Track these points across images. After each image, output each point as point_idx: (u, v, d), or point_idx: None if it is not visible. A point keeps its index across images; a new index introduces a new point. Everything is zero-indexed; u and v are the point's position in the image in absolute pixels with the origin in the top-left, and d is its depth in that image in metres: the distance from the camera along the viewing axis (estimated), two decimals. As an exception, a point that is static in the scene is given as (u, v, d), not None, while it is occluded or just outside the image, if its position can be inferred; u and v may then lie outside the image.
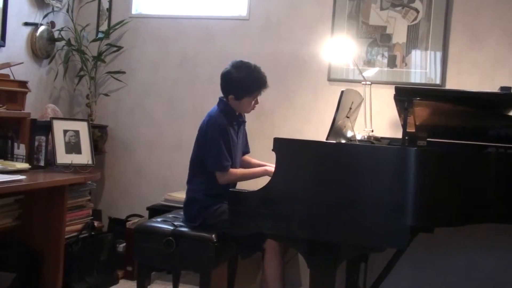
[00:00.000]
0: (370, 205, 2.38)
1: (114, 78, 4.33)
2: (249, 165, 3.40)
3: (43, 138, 3.56)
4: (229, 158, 3.07)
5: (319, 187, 2.45)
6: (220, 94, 3.23)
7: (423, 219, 2.39)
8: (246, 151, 3.43)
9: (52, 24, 4.14)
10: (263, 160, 3.37)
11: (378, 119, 3.63)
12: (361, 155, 2.45)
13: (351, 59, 3.72)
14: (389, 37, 3.75)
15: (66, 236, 3.43)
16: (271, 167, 3.13)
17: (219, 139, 3.04)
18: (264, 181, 2.63)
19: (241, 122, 3.27)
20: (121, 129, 4.38)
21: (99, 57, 4.27)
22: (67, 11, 4.24)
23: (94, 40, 4.30)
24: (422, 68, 3.68)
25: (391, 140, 3.42)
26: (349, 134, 3.17)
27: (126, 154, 4.37)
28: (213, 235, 2.94)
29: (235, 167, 3.16)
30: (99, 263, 3.67)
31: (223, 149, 3.04)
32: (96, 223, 3.82)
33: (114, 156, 4.39)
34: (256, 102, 3.21)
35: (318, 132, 3.73)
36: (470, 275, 3.56)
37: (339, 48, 3.68)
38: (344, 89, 2.83)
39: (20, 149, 3.45)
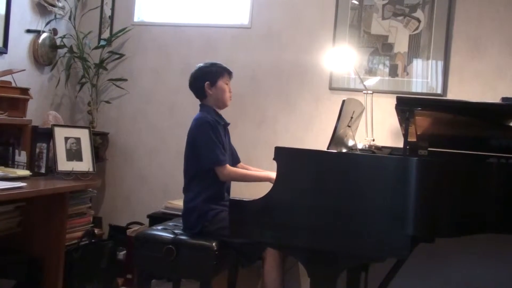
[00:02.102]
0: (371, 215, 2.38)
1: (115, 85, 4.34)
2: None
3: (44, 145, 3.56)
4: (224, 152, 3.10)
5: (320, 196, 2.44)
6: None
7: (423, 229, 2.38)
8: (238, 160, 3.46)
9: (54, 31, 4.15)
10: (264, 168, 3.37)
11: (379, 128, 3.63)
12: (362, 165, 2.44)
13: (353, 68, 3.72)
14: (390, 47, 3.75)
15: (66, 243, 3.43)
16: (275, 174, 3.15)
17: (211, 135, 3.08)
18: (265, 189, 2.63)
19: (226, 124, 3.33)
20: (122, 136, 4.38)
21: (101, 65, 4.28)
22: (70, 18, 4.25)
23: (96, 48, 4.31)
24: (423, 78, 3.68)
25: (392, 150, 3.42)
26: (350, 143, 3.17)
27: (127, 162, 4.37)
28: (214, 243, 2.94)
29: None
30: (99, 271, 3.67)
31: (217, 144, 3.08)
32: (96, 231, 3.82)
33: (115, 163, 4.39)
34: (230, 89, 3.32)
35: (319, 140, 3.73)
36: (471, 285, 3.54)
37: (341, 57, 3.68)
38: (345, 98, 2.83)
39: (21, 156, 3.45)
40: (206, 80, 3.26)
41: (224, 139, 3.21)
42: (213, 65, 3.31)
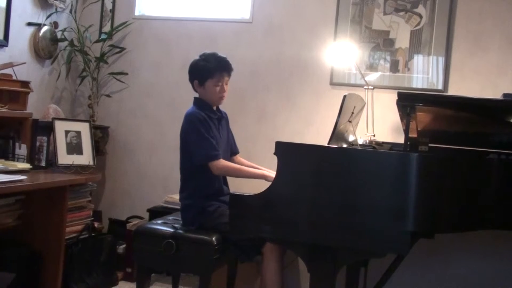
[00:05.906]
0: (371, 210, 2.38)
1: (116, 79, 4.34)
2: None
3: (45, 138, 3.57)
4: (216, 147, 3.04)
5: (320, 191, 2.44)
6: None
7: (424, 224, 2.39)
8: (235, 151, 3.42)
9: (55, 24, 4.14)
10: (264, 163, 3.37)
11: (380, 123, 3.63)
12: (363, 160, 2.45)
13: (354, 63, 3.71)
14: (392, 42, 3.74)
15: (66, 237, 3.43)
16: (270, 173, 3.12)
17: (201, 130, 3.01)
18: (264, 185, 2.63)
19: (221, 117, 3.25)
20: (122, 130, 4.38)
21: (101, 58, 4.28)
22: (71, 11, 4.25)
23: (97, 41, 4.30)
24: (424, 73, 3.68)
25: (393, 145, 3.41)
26: (351, 138, 3.17)
27: (127, 156, 4.37)
28: (214, 238, 2.94)
29: None
30: (98, 265, 3.67)
31: (208, 139, 3.01)
32: (96, 224, 3.82)
33: (115, 157, 4.39)
34: (223, 90, 3.17)
35: (320, 135, 3.73)
36: (471, 281, 3.54)
37: (342, 52, 3.67)
38: (346, 93, 2.83)
39: (22, 149, 3.45)
40: (195, 78, 3.16)
41: (216, 132, 3.14)
42: (207, 60, 3.12)
